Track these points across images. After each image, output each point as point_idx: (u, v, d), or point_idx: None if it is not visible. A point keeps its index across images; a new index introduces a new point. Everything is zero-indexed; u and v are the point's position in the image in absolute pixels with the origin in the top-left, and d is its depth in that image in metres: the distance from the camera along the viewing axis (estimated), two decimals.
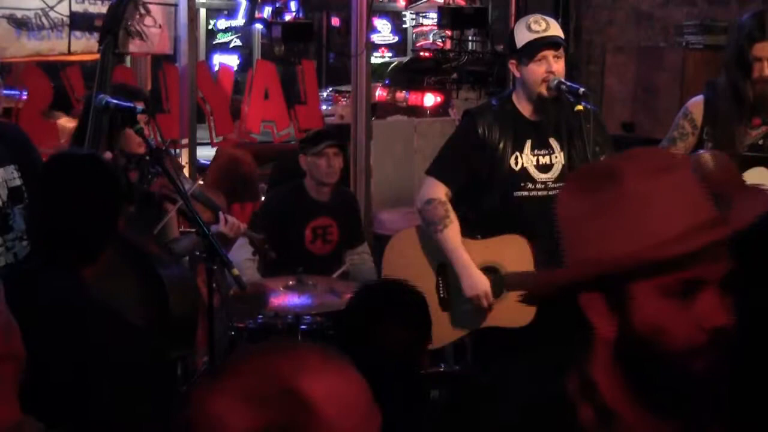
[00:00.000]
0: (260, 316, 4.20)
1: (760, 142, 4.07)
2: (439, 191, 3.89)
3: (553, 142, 3.93)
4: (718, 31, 6.39)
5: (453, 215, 3.86)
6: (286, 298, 4.20)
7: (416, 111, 10.08)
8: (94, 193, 2.44)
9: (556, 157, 3.92)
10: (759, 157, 4.05)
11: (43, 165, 2.78)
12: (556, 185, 3.90)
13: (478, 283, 3.82)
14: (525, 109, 3.91)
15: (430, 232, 3.88)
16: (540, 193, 3.90)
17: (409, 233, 4.05)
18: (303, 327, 4.10)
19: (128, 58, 6.41)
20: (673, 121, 4.23)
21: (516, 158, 3.88)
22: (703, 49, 6.30)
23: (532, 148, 3.90)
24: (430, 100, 10.59)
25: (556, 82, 3.82)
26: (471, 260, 3.83)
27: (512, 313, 3.83)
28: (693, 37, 6.43)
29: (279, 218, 4.83)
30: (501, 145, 3.87)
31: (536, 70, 3.81)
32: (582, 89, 3.78)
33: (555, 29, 3.86)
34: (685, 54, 6.29)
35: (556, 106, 3.85)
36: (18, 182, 3.34)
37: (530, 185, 3.89)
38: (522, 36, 3.84)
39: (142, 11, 3.58)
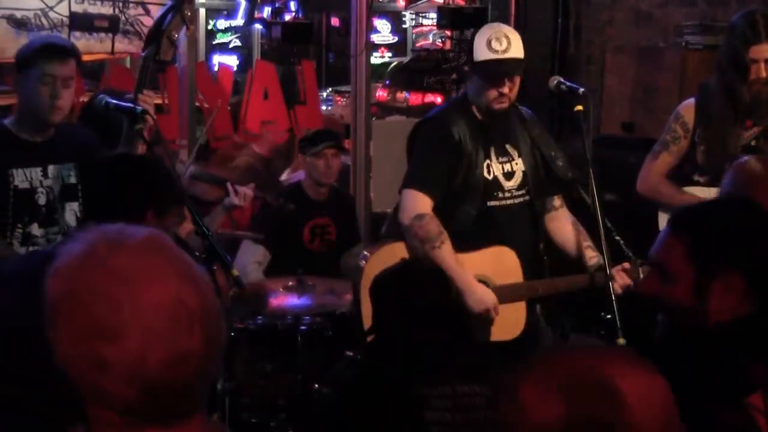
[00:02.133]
0: (260, 317, 4.20)
1: (753, 143, 4.07)
2: (426, 205, 3.72)
3: (509, 148, 3.89)
4: (717, 31, 6.37)
5: (444, 231, 3.70)
6: (285, 299, 4.20)
7: (417, 111, 10.06)
8: (134, 182, 2.78)
9: (516, 163, 3.88)
10: None
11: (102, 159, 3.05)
12: (519, 192, 3.87)
13: (485, 297, 3.71)
14: (479, 115, 3.84)
15: (424, 250, 3.67)
16: (508, 201, 3.86)
17: (390, 250, 3.79)
18: (302, 328, 4.10)
19: (128, 59, 6.41)
20: (666, 124, 4.24)
21: (488, 166, 3.81)
22: (702, 50, 6.29)
23: (497, 155, 3.85)
24: (430, 100, 10.56)
25: (555, 81, 3.83)
26: (470, 275, 3.72)
27: (502, 326, 3.78)
28: (693, 37, 6.42)
29: (278, 218, 4.83)
30: (474, 152, 3.77)
31: (489, 90, 3.74)
32: (581, 89, 3.78)
33: (515, 50, 3.74)
34: (684, 54, 6.28)
35: (503, 118, 3.83)
36: (74, 180, 3.50)
37: (500, 194, 3.84)
38: (481, 52, 3.73)
39: (189, 24, 3.67)
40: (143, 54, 3.66)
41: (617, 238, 3.82)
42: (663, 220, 4.20)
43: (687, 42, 6.39)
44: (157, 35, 3.60)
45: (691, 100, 4.19)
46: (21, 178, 3.45)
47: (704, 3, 6.83)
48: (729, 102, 4.05)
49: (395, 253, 3.72)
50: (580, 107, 3.72)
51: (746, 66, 3.96)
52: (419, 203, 3.73)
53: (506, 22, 7.59)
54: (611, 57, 6.88)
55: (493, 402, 1.32)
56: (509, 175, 3.86)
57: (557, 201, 3.95)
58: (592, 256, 3.82)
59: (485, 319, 3.73)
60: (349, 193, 5.96)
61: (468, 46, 4.00)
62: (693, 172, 4.19)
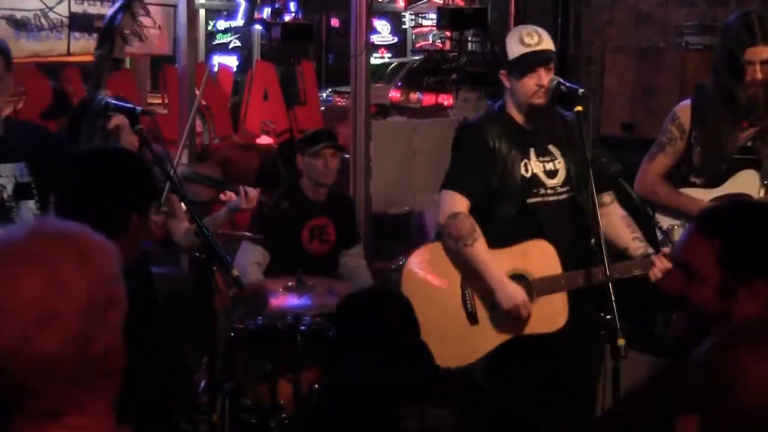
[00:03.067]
0: (260, 317, 4.20)
1: (749, 144, 4.08)
2: (461, 204, 3.84)
3: (552, 148, 3.94)
4: (717, 32, 6.37)
5: (478, 229, 3.81)
6: (285, 299, 4.20)
7: (431, 112, 10.04)
8: (121, 180, 2.66)
9: (559, 162, 3.93)
10: (748, 159, 4.06)
11: (73, 155, 2.88)
12: (563, 189, 3.92)
13: (515, 293, 3.78)
14: (519, 118, 3.92)
15: (458, 248, 3.82)
16: (551, 198, 3.91)
17: (428, 250, 3.97)
18: (302, 328, 4.10)
19: (128, 59, 6.40)
20: (662, 125, 4.25)
21: (525, 165, 3.88)
22: (702, 50, 6.29)
23: (537, 156, 3.91)
24: (444, 101, 10.55)
25: (555, 82, 3.83)
26: (502, 273, 3.80)
27: (543, 318, 3.83)
28: (692, 37, 6.42)
29: (277, 219, 4.83)
30: (510, 155, 3.86)
31: (528, 83, 3.82)
32: (581, 90, 3.78)
33: (547, 42, 3.87)
34: (684, 54, 6.28)
35: (547, 115, 3.87)
36: (27, 179, 3.46)
37: (542, 191, 3.90)
38: (514, 49, 3.84)
39: (139, 19, 3.67)
40: (97, 53, 3.65)
41: (660, 226, 3.91)
42: (660, 220, 4.20)
43: (687, 42, 6.40)
44: (110, 34, 3.60)
45: (687, 102, 4.20)
46: None
47: (704, 3, 6.83)
48: (725, 104, 4.05)
49: (432, 252, 3.91)
50: (580, 108, 3.72)
51: (742, 68, 3.96)
52: (455, 203, 3.85)
53: (506, 22, 7.60)
54: (611, 57, 6.89)
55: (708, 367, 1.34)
56: (552, 173, 3.92)
57: (606, 198, 3.99)
58: (638, 247, 3.88)
59: (518, 316, 3.79)
60: (348, 194, 5.96)
61: (501, 53, 4.06)
62: (689, 173, 4.19)
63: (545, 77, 3.81)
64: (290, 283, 4.25)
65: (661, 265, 3.75)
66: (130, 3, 3.61)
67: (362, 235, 5.48)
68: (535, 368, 3.87)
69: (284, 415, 3.97)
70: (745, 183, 4.07)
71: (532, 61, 3.81)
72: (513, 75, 3.86)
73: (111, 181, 2.67)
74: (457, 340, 3.87)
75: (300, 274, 4.28)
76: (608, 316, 3.44)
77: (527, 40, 3.83)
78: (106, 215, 2.53)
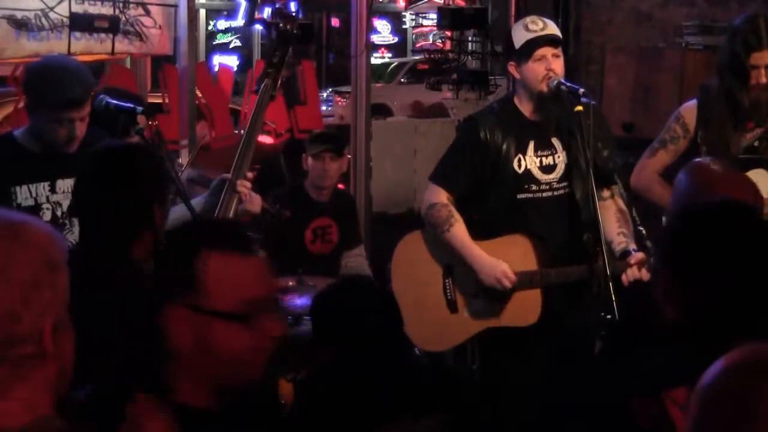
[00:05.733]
0: None
1: (756, 143, 4.08)
2: (441, 196, 3.91)
3: (555, 141, 3.93)
4: (717, 32, 6.39)
5: (457, 215, 3.87)
6: (286, 299, 4.20)
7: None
8: (138, 175, 2.67)
9: (558, 156, 3.91)
10: (755, 159, 4.06)
11: (93, 152, 2.86)
12: (560, 185, 3.91)
13: (494, 267, 3.81)
14: (526, 109, 3.90)
15: (437, 235, 3.90)
16: (545, 194, 3.90)
17: (414, 237, 4.04)
18: (302, 328, 4.10)
19: (128, 59, 6.40)
20: (666, 122, 4.25)
21: (519, 160, 3.87)
22: (702, 50, 6.31)
23: (535, 150, 3.89)
24: None
25: (556, 82, 3.82)
26: (482, 251, 3.84)
27: (519, 312, 3.85)
28: (692, 37, 6.44)
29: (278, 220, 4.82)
30: (504, 148, 3.86)
31: (536, 68, 3.80)
32: (582, 90, 3.78)
33: (552, 28, 3.86)
34: (684, 54, 6.30)
35: (556, 105, 3.85)
36: None
37: (534, 187, 3.89)
38: (519, 36, 3.84)
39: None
40: (258, 88, 3.68)
41: (640, 228, 3.91)
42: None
43: (687, 42, 6.41)
44: (274, 70, 3.68)
45: (693, 102, 4.19)
46: (25, 195, 3.33)
47: (704, 3, 6.85)
48: (729, 105, 4.05)
49: (420, 239, 4.00)
50: (580, 107, 3.71)
51: (747, 71, 3.96)
52: (434, 195, 3.93)
53: (506, 22, 7.61)
54: (611, 57, 6.89)
55: None
56: (549, 168, 3.90)
57: (605, 192, 3.98)
58: (620, 242, 3.86)
59: (502, 291, 3.81)
60: (351, 194, 5.96)
61: (506, 47, 4.04)
62: None
63: (553, 62, 3.79)
64: (290, 283, 4.26)
65: (630, 273, 3.72)
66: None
67: (362, 234, 5.48)
68: (534, 363, 3.87)
69: (284, 416, 3.97)
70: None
71: (537, 43, 3.79)
72: (521, 63, 3.84)
73: (128, 177, 2.66)
74: (437, 325, 3.94)
75: (300, 274, 4.28)
76: (609, 316, 3.44)
77: (532, 26, 3.82)
78: (130, 212, 2.59)
